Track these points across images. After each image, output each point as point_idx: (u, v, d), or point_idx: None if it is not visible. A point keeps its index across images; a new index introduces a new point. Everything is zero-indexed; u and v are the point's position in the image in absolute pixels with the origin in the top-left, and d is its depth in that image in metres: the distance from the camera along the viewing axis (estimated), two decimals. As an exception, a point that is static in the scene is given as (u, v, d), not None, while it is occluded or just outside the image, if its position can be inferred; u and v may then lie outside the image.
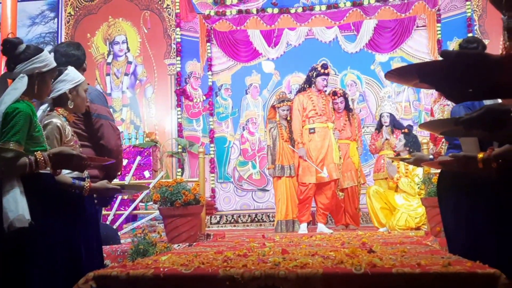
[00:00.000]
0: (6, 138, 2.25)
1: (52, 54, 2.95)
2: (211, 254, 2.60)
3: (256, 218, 8.88)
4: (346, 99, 7.05)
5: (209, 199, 8.63)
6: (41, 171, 2.35)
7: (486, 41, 7.13)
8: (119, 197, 6.35)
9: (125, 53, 9.38)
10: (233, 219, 8.91)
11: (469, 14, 8.74)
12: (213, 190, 9.13)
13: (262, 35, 9.38)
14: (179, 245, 4.67)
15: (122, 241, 5.08)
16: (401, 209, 6.04)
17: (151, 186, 5.56)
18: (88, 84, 3.00)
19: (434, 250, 2.81)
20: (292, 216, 6.55)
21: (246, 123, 9.44)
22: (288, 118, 6.71)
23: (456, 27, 8.80)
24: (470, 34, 8.36)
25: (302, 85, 6.68)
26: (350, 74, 9.36)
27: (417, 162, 2.94)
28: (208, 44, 9.42)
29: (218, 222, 8.86)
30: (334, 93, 6.94)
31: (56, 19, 9.49)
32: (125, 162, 7.48)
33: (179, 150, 8.98)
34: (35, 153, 2.32)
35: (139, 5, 9.38)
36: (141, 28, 9.35)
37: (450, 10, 8.98)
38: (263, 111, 9.33)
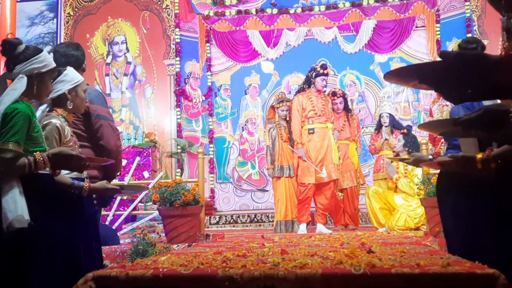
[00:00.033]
0: (5, 139, 2.25)
1: (52, 54, 2.95)
2: (210, 255, 2.60)
3: (255, 219, 8.88)
4: (345, 100, 7.05)
5: (208, 199, 8.63)
6: (40, 171, 2.35)
7: (485, 42, 7.13)
8: (118, 198, 6.35)
9: (124, 53, 9.38)
10: (232, 220, 8.91)
11: (468, 15, 8.75)
12: (212, 191, 9.13)
13: (261, 35, 9.38)
14: (178, 246, 4.67)
15: (121, 241, 5.08)
16: (400, 210, 6.04)
17: (150, 186, 5.56)
18: (87, 84, 3.00)
19: (433, 251, 2.81)
20: (291, 216, 6.55)
21: (245, 123, 9.44)
22: (287, 119, 6.71)
23: (455, 27, 8.81)
24: (469, 35, 8.37)
25: (302, 86, 6.68)
26: (349, 74, 9.36)
27: (416, 163, 2.94)
28: (208, 44, 9.42)
29: (217, 223, 8.86)
30: (334, 94, 6.94)
31: (55, 20, 9.49)
32: (124, 162, 7.48)
33: (179, 151, 8.98)
34: (34, 153, 2.32)
35: (138, 6, 9.38)
36: (140, 29, 9.35)
37: (449, 10, 8.98)
38: (262, 111, 9.33)
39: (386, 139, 6.94)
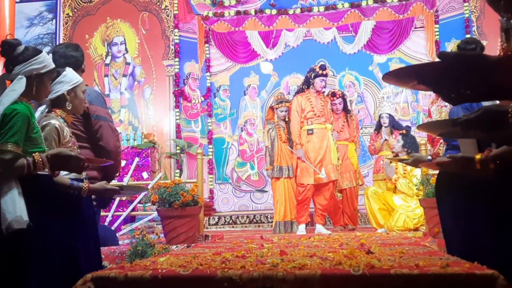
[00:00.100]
0: (4, 140, 2.25)
1: (51, 55, 2.95)
2: (209, 255, 2.60)
3: (254, 219, 8.88)
4: (344, 100, 7.05)
5: (208, 200, 8.63)
6: (39, 172, 2.35)
7: (484, 42, 7.13)
8: (118, 198, 6.35)
9: (123, 54, 9.38)
10: (231, 220, 8.91)
11: (467, 15, 8.76)
12: (211, 191, 9.14)
13: (260, 36, 9.38)
14: (177, 246, 4.67)
15: (120, 242, 5.08)
16: (400, 210, 6.04)
17: (149, 187, 5.55)
18: (87, 85, 3.00)
19: (432, 251, 2.81)
20: (290, 217, 6.55)
21: (244, 124, 9.44)
22: (287, 119, 6.71)
23: (454, 28, 8.82)
24: (468, 35, 8.37)
25: (301, 86, 6.68)
26: (348, 75, 9.37)
27: (416, 163, 2.94)
28: (206, 45, 9.43)
29: (216, 223, 8.86)
30: (333, 94, 6.94)
31: (54, 20, 9.48)
32: (123, 163, 7.48)
33: (178, 151, 8.98)
34: (33, 154, 2.31)
35: (137, 6, 9.38)
36: (139, 29, 9.35)
37: (448, 11, 8.99)
38: (262, 112, 9.33)
39: (385, 140, 6.95)
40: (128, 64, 9.34)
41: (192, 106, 9.28)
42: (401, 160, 3.23)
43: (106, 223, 6.11)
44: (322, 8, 9.20)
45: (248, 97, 9.50)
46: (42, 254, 2.34)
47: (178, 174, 8.79)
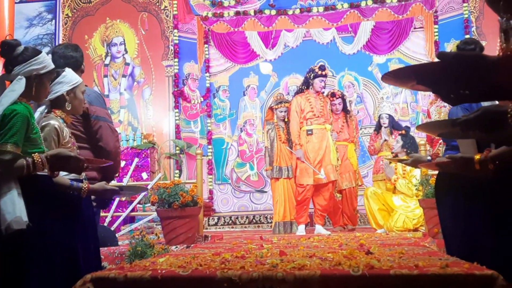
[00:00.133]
0: (3, 140, 2.25)
1: (50, 56, 2.96)
2: (209, 256, 2.60)
3: (254, 220, 8.88)
4: (344, 101, 7.05)
5: (207, 200, 8.63)
6: (38, 173, 2.35)
7: (483, 43, 7.14)
8: (117, 199, 6.34)
9: (123, 54, 9.38)
10: (231, 221, 8.91)
11: (466, 16, 8.76)
12: (211, 192, 9.13)
13: (260, 36, 9.38)
14: (176, 247, 4.67)
15: (119, 242, 5.07)
16: (399, 211, 6.04)
17: (149, 187, 5.55)
18: (86, 85, 3.00)
19: (432, 252, 2.81)
20: (290, 217, 6.55)
21: (243, 124, 9.44)
22: (286, 120, 6.71)
23: (453, 28, 8.82)
24: (467, 36, 8.38)
25: (300, 87, 6.68)
26: (347, 75, 9.38)
27: (415, 163, 2.94)
28: (206, 45, 9.43)
29: (216, 224, 8.86)
30: (333, 95, 6.95)
31: (53, 21, 9.48)
32: (122, 163, 7.47)
33: (177, 152, 8.98)
34: (33, 155, 2.31)
35: (136, 7, 9.38)
36: (138, 30, 9.35)
37: (448, 11, 9.00)
38: (261, 112, 9.33)
39: (385, 140, 6.95)
40: (127, 64, 9.34)
41: (191, 107, 9.28)
42: (400, 161, 3.23)
43: (105, 224, 6.11)
44: (321, 9, 9.20)
45: (247, 98, 9.50)
46: (42, 254, 2.34)
47: (177, 175, 8.79)
